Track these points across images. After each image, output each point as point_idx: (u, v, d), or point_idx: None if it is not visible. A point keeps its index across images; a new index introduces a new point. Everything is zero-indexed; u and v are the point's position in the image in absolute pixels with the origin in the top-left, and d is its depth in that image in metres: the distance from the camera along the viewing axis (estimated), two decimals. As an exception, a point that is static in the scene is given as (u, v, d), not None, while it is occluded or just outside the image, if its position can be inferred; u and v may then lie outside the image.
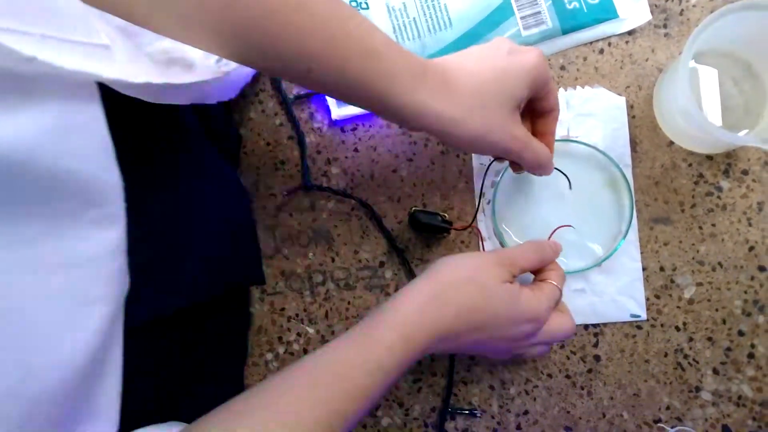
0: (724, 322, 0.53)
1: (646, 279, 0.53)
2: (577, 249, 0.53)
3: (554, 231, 0.52)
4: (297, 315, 0.56)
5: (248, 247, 0.52)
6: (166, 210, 0.39)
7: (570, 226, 0.53)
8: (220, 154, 0.49)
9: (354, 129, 0.57)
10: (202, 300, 0.42)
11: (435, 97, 0.41)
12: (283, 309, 0.56)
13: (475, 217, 0.54)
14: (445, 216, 0.51)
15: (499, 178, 0.54)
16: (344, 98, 0.42)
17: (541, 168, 0.48)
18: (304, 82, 0.40)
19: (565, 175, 0.53)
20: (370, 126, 0.57)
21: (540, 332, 0.46)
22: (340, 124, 0.57)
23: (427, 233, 0.51)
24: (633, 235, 0.53)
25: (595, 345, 0.53)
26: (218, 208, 0.45)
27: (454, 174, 0.56)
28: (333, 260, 0.56)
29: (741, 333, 0.52)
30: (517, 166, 0.51)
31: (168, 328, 0.42)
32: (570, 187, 0.53)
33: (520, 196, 0.55)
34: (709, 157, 0.54)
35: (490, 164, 0.54)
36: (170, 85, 0.36)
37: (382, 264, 0.56)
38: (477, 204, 0.54)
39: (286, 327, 0.56)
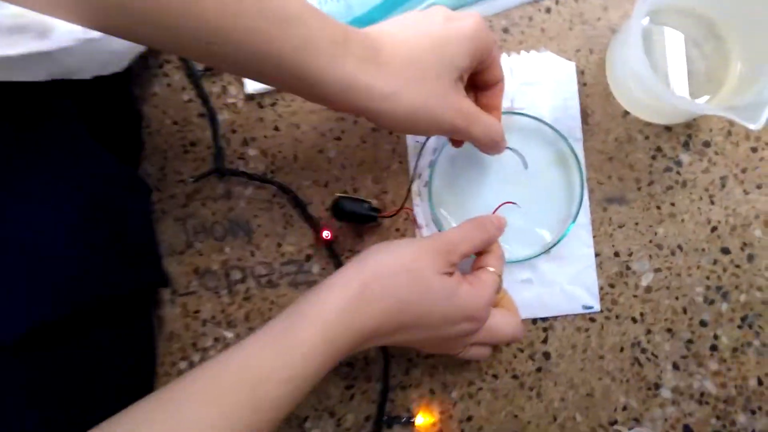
0: (684, 311, 0.48)
1: (600, 266, 0.48)
2: (523, 235, 0.47)
3: (497, 208, 0.46)
4: (213, 318, 0.50)
5: (139, 245, 0.45)
6: (4, 214, 0.32)
7: (513, 203, 0.47)
8: (109, 140, 0.42)
9: (273, 104, 0.50)
10: (64, 315, 0.35)
11: (362, 68, 0.35)
12: (197, 311, 0.50)
13: (404, 201, 0.47)
14: (371, 202, 0.44)
15: (435, 157, 0.48)
16: (255, 76, 0.36)
17: (494, 145, 0.43)
18: (206, 59, 0.35)
19: (519, 154, 0.47)
20: (292, 100, 0.50)
21: (481, 331, 0.41)
22: (258, 99, 0.50)
23: (354, 222, 0.45)
24: (585, 217, 0.48)
25: (545, 341, 0.48)
26: (88, 204, 0.37)
27: (388, 153, 0.50)
28: (253, 254, 0.49)
29: (703, 323, 0.48)
30: (458, 142, 0.45)
31: (43, 345, 0.35)
32: (526, 167, 0.47)
33: (459, 177, 0.48)
34: (668, 129, 0.48)
35: (426, 141, 0.48)
36: (9, 57, 0.29)
37: (308, 258, 0.49)
38: (409, 187, 0.48)
39: (201, 332, 0.50)
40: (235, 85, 0.50)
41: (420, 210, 0.49)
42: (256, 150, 0.50)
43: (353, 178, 0.50)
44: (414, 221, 0.49)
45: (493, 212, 0.46)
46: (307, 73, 0.34)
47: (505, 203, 0.46)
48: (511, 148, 0.46)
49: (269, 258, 0.50)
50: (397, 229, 0.49)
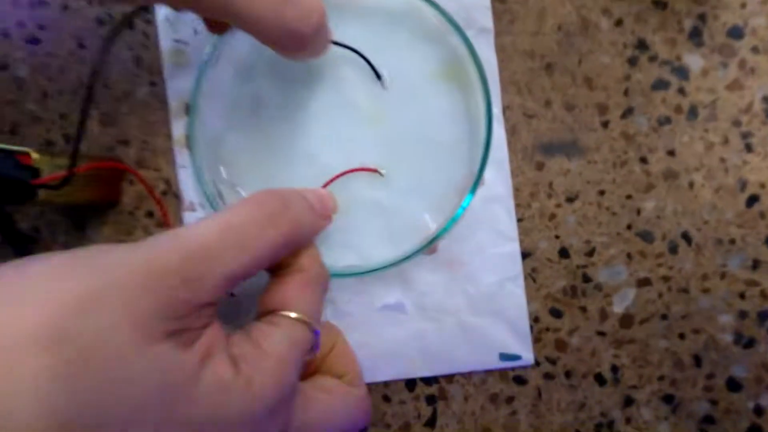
0: (697, 361, 0.25)
1: (531, 277, 0.25)
2: (383, 221, 0.24)
3: (334, 179, 0.24)
4: None
5: None
6: None
7: (374, 170, 0.24)
8: None
9: None
10: None
11: None
12: None
13: (75, 152, 0.24)
14: (28, 154, 0.20)
15: (203, 67, 0.24)
16: None
17: (303, 40, 0.21)
18: None
19: (363, 56, 0.24)
20: (-52, -28, 0.26)
21: None
22: None
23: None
24: (502, 183, 0.24)
25: (431, 422, 0.25)
26: None
27: (128, 67, 0.26)
28: None
29: (733, 384, 0.25)
30: (217, 24, 0.22)
31: None
32: (380, 80, 0.24)
33: (253, 106, 0.25)
34: (660, 4, 0.25)
35: (121, 23, 0.25)
36: None
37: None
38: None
39: None
40: None
41: (188, 174, 0.25)
42: None
43: (63, 116, 0.26)
44: (157, 201, 0.25)
45: (325, 186, 0.24)
46: None
47: (354, 170, 0.23)
48: (347, 46, 0.23)
49: None
50: (150, 213, 0.26)
